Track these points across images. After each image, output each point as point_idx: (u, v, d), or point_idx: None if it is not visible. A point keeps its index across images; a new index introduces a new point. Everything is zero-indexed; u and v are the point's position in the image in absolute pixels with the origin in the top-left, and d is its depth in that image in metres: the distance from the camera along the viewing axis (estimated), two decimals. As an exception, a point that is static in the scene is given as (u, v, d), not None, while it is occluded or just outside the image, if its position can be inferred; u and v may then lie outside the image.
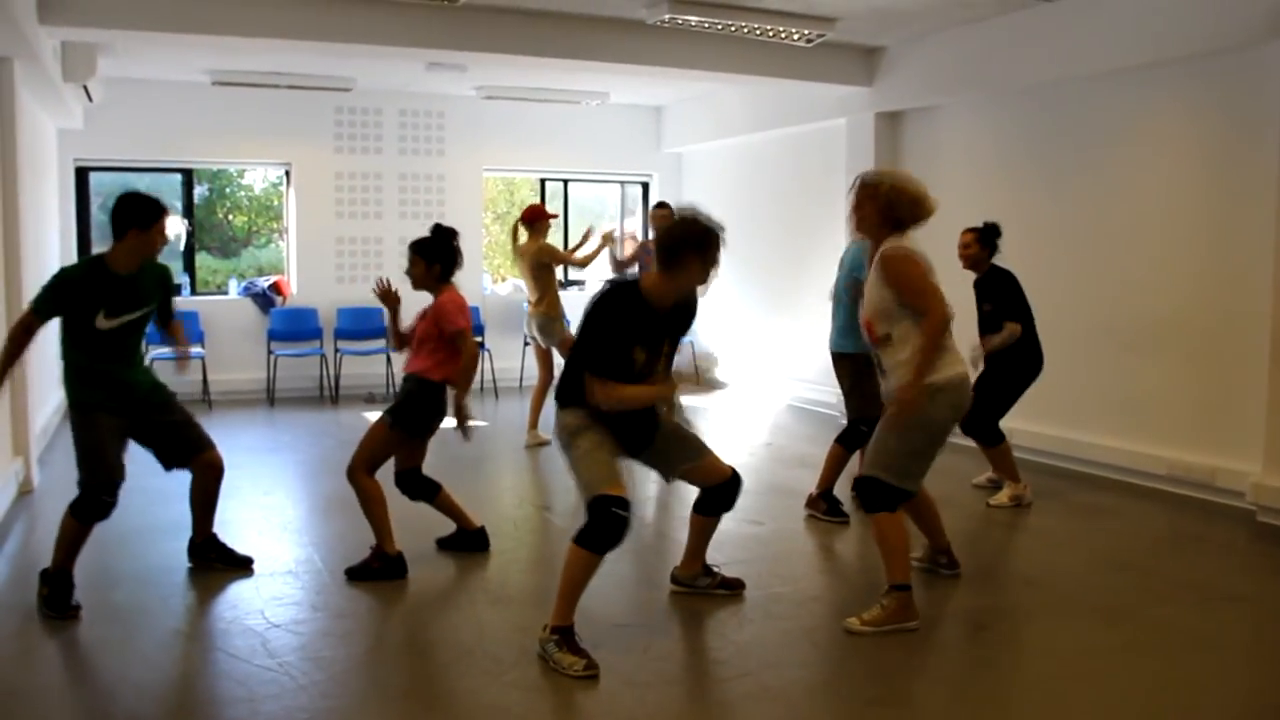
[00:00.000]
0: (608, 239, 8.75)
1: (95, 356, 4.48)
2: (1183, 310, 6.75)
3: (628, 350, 3.99)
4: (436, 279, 5.05)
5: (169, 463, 4.85)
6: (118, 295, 4.46)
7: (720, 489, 4.46)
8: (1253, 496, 6.03)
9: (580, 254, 8.73)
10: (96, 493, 4.40)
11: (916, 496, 4.51)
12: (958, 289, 6.61)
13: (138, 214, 4.45)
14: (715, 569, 4.74)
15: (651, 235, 8.21)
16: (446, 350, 4.97)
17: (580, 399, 4.04)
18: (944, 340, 4.21)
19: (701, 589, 4.68)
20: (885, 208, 4.25)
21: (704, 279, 4.03)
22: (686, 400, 9.42)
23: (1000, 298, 6.19)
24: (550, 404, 8.17)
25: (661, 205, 8.63)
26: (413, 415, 4.99)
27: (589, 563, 3.89)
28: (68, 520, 4.45)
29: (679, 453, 4.37)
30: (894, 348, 4.24)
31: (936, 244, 7.86)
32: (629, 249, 8.83)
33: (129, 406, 4.57)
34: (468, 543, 5.35)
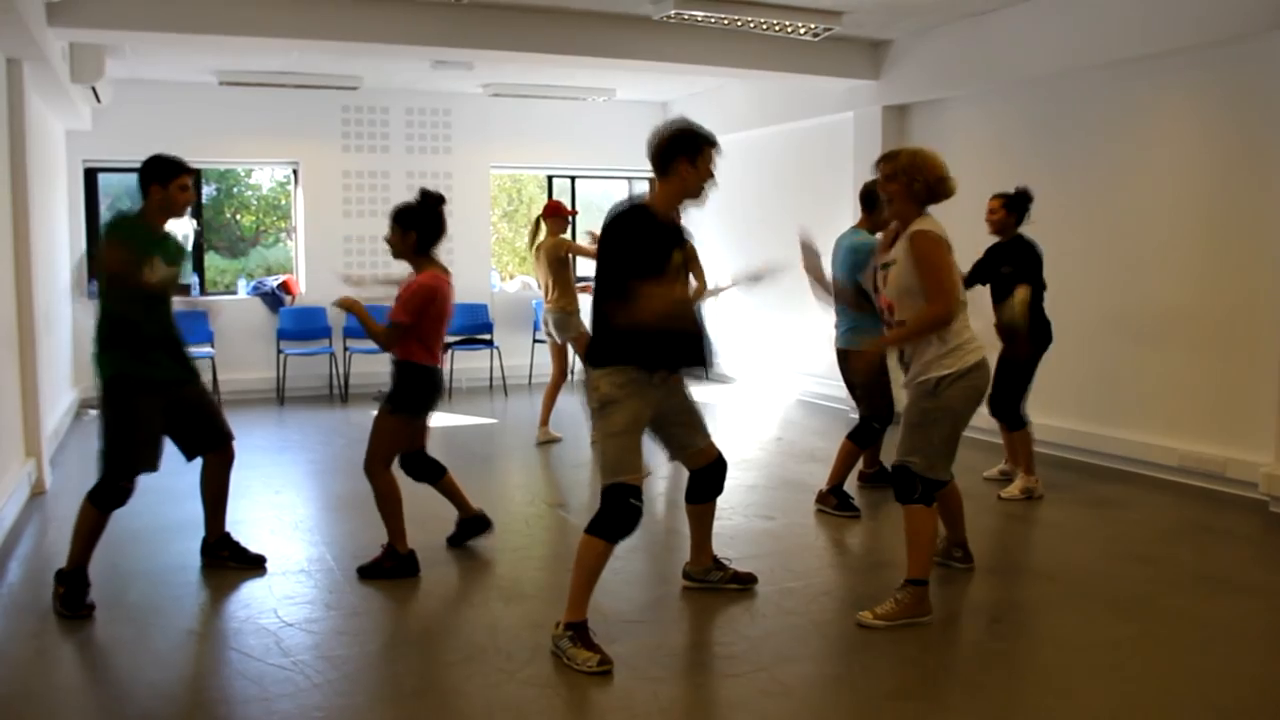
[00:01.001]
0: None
1: (146, 318, 4.54)
2: (1192, 301, 6.73)
3: (665, 257, 3.97)
4: (413, 248, 4.87)
5: (192, 450, 4.86)
6: (159, 248, 4.59)
7: (707, 472, 4.46)
8: (1265, 487, 6.02)
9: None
10: (118, 478, 4.42)
11: (946, 487, 4.52)
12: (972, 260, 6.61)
13: (157, 170, 4.58)
14: (727, 563, 4.75)
15: None
16: (421, 327, 4.82)
17: (619, 356, 3.95)
18: (962, 328, 4.19)
19: (713, 584, 4.68)
20: (907, 180, 4.21)
21: (698, 183, 4.03)
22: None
23: (1021, 262, 6.17)
24: (562, 401, 8.27)
25: None
26: (408, 397, 4.92)
27: (603, 552, 3.89)
28: (86, 509, 4.47)
29: (691, 431, 4.36)
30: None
31: (949, 233, 7.85)
32: None
33: (170, 382, 4.62)
34: (470, 530, 5.35)
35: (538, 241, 8.16)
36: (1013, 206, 6.23)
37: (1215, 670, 3.88)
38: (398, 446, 5.02)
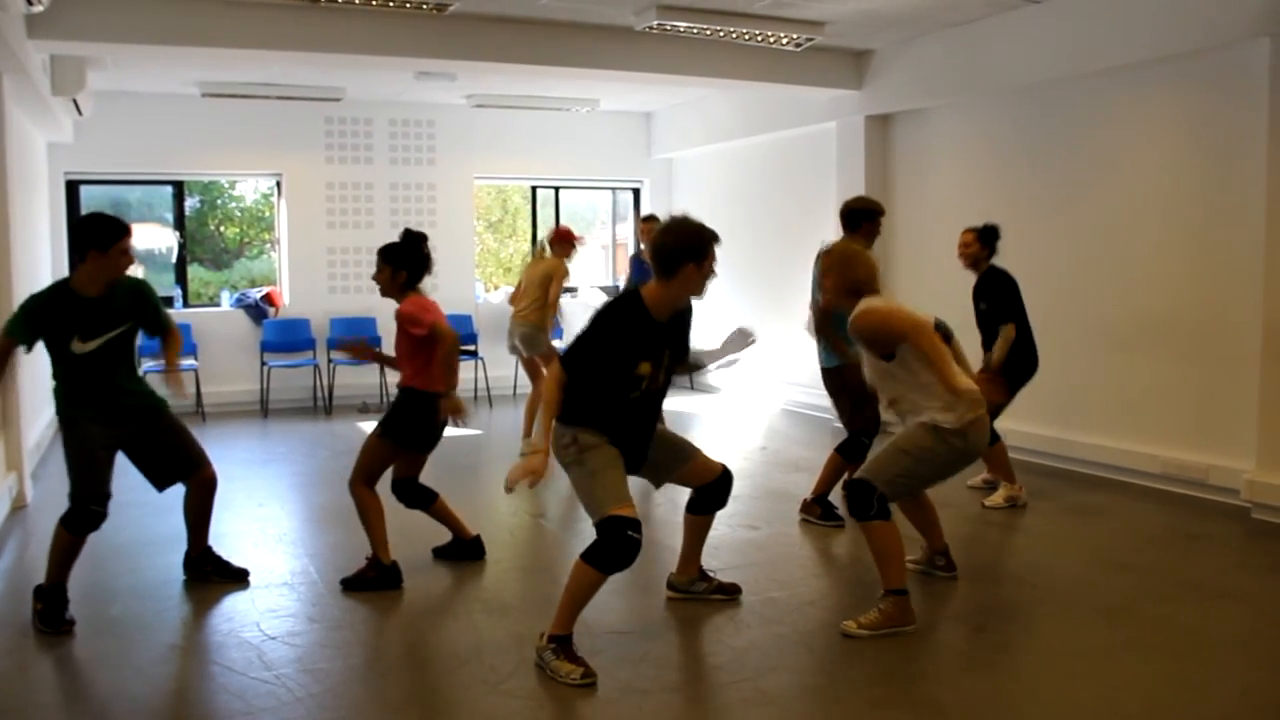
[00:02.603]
0: None
1: (81, 376, 4.45)
2: (1175, 309, 6.76)
3: (632, 364, 3.94)
4: (402, 286, 4.93)
5: (160, 482, 4.80)
6: (88, 318, 4.39)
7: (713, 487, 4.46)
8: (1247, 494, 6.05)
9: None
10: (86, 503, 4.38)
11: (917, 499, 4.55)
12: (957, 286, 6.65)
13: (96, 235, 4.34)
14: (711, 574, 4.74)
15: (643, 247, 8.22)
16: (425, 354, 4.86)
17: (588, 418, 3.96)
18: (961, 379, 4.25)
19: (698, 594, 4.68)
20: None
21: (701, 286, 3.99)
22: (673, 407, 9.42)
23: (995, 297, 6.20)
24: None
25: (649, 218, 8.61)
26: (402, 426, 4.94)
27: (595, 581, 3.86)
28: (59, 533, 4.43)
29: (669, 460, 4.36)
30: (898, 399, 4.38)
31: (932, 244, 7.90)
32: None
33: (120, 418, 4.54)
34: (463, 552, 5.34)
35: (538, 260, 8.23)
36: (985, 239, 6.25)
37: (1198, 677, 3.89)
38: (382, 468, 5.02)
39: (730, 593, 4.70)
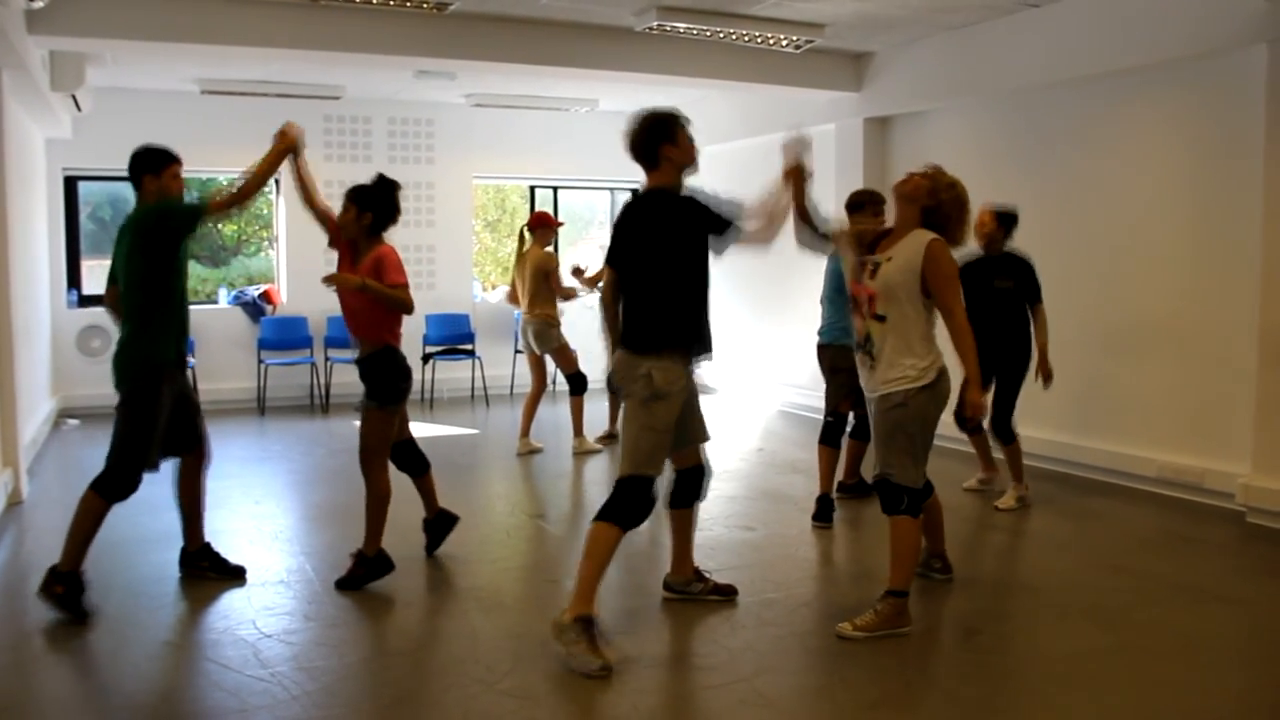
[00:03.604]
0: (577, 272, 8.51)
1: (173, 311, 4.65)
2: (1170, 313, 6.78)
3: (704, 232, 4.17)
4: (366, 229, 4.85)
5: (171, 448, 4.83)
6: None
7: (691, 474, 4.51)
8: (1242, 497, 6.06)
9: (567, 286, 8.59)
10: (139, 470, 4.46)
11: (930, 499, 4.56)
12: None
13: (149, 161, 4.65)
14: (707, 574, 4.75)
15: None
16: (380, 310, 4.79)
17: (668, 342, 4.07)
18: (931, 333, 4.22)
19: (694, 595, 4.68)
20: (935, 205, 4.28)
21: (685, 158, 4.19)
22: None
23: (1023, 278, 6.28)
24: (543, 412, 8.28)
25: None
26: (390, 386, 4.87)
27: (615, 539, 3.96)
28: (91, 500, 4.47)
29: (697, 423, 4.43)
30: (886, 330, 4.19)
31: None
32: (590, 272, 8.55)
33: (183, 370, 4.76)
34: (439, 529, 5.34)
35: (523, 251, 8.17)
36: (1004, 221, 6.28)
37: (1193, 680, 3.90)
38: (389, 438, 4.99)
39: (726, 594, 4.71)
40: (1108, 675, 3.91)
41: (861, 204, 6.04)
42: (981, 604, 4.78)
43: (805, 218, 4.49)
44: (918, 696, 3.78)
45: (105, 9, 6.70)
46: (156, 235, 4.58)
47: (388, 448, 4.96)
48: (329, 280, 4.72)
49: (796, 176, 4.39)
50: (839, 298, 5.84)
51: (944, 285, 4.15)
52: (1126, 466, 6.96)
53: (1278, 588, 5.03)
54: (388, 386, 4.88)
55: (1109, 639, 4.27)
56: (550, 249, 8.21)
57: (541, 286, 8.01)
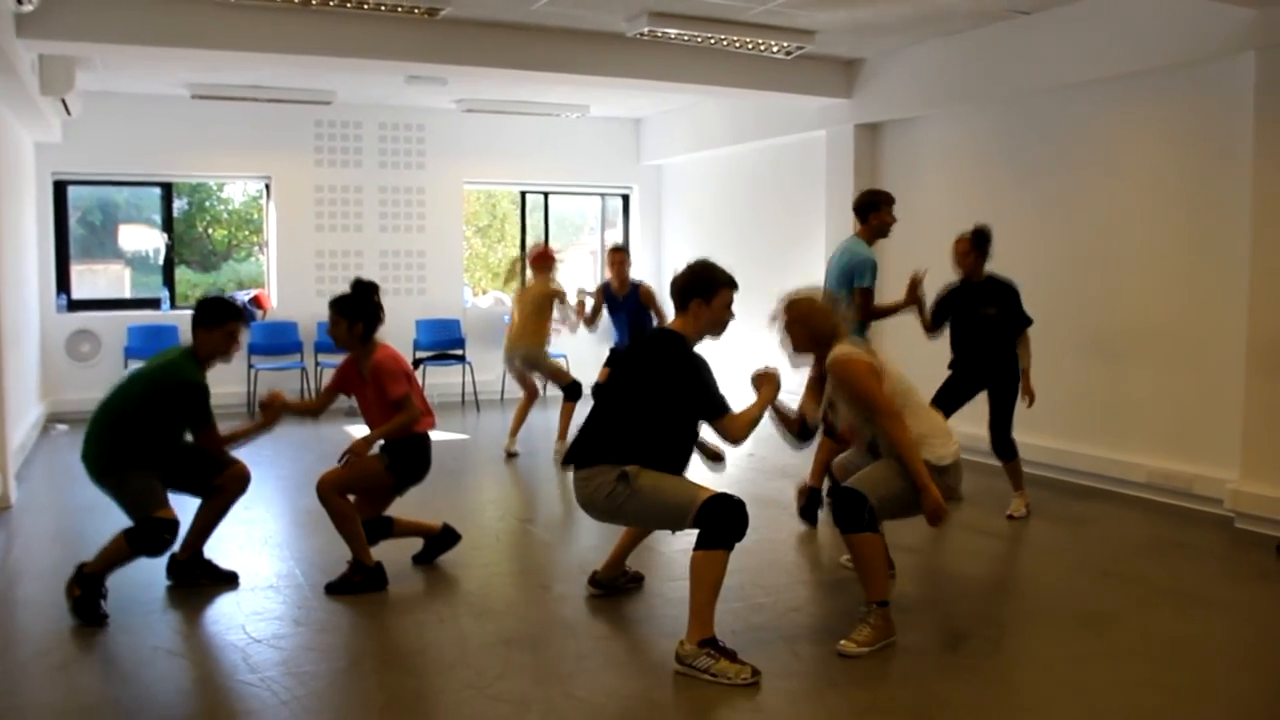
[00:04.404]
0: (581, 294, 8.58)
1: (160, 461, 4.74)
2: (1160, 320, 6.80)
3: (709, 383, 4.30)
4: (359, 338, 4.96)
5: (204, 488, 4.95)
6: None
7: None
8: (1230, 503, 6.08)
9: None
10: (159, 529, 4.46)
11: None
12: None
13: (203, 313, 4.80)
14: (627, 568, 4.88)
15: (608, 276, 8.23)
16: (415, 391, 4.97)
17: (651, 459, 4.13)
18: (932, 419, 4.34)
19: (619, 587, 4.82)
20: (803, 330, 4.53)
21: (712, 322, 4.33)
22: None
23: (1008, 304, 6.25)
24: (533, 418, 8.28)
25: (617, 249, 8.46)
26: (411, 467, 5.00)
27: (724, 561, 3.96)
28: (120, 542, 4.48)
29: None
30: (885, 447, 4.37)
31: (920, 253, 7.94)
32: (591, 301, 8.43)
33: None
34: (440, 545, 5.33)
35: (525, 285, 8.30)
36: (979, 244, 6.27)
37: (1181, 684, 3.91)
38: (360, 489, 5.02)
39: (639, 580, 4.89)
40: (1097, 679, 3.91)
41: (865, 216, 6.11)
42: (971, 608, 4.79)
43: (783, 419, 4.78)
44: (908, 701, 3.77)
45: (95, 12, 6.68)
46: (165, 401, 4.74)
47: (351, 490, 4.97)
48: (347, 456, 4.90)
49: (769, 385, 4.61)
50: (842, 292, 5.88)
51: (862, 406, 4.32)
52: (1116, 472, 6.97)
53: (1266, 592, 5.05)
54: (413, 470, 5.00)
55: (1099, 644, 4.28)
56: (555, 281, 8.35)
57: (543, 317, 8.18)
